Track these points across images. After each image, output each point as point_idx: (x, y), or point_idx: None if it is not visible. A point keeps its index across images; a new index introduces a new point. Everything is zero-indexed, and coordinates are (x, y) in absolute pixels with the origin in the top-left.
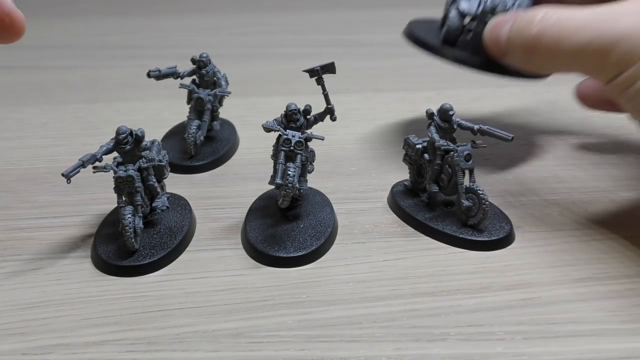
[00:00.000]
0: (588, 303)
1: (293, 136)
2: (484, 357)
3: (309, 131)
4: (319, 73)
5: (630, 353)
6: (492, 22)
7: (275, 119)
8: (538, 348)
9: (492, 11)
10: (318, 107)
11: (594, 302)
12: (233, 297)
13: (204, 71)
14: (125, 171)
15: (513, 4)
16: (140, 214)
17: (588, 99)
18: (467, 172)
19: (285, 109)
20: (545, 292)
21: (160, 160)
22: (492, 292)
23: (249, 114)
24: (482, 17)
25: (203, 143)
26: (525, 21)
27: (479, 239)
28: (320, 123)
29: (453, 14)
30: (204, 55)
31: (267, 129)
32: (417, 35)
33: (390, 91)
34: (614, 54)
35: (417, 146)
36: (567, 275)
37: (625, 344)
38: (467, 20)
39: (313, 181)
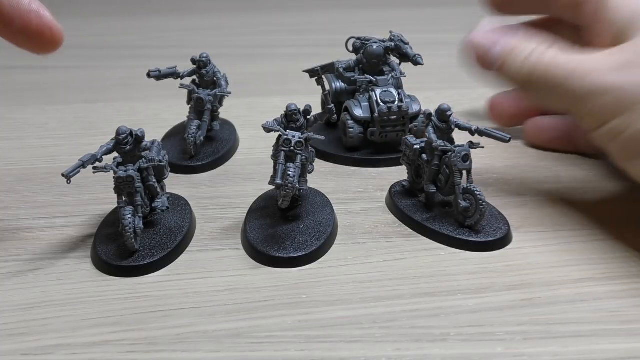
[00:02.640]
0: (588, 303)
1: (293, 136)
2: (485, 358)
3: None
4: (319, 73)
5: (630, 353)
6: (477, 37)
7: (275, 119)
8: (538, 348)
9: (389, 112)
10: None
11: (594, 302)
12: (233, 297)
13: (204, 71)
14: (125, 171)
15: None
16: (141, 215)
17: (501, 116)
18: (464, 172)
19: (285, 109)
20: (546, 292)
21: (160, 161)
22: (493, 292)
23: (249, 114)
24: (381, 123)
25: (203, 143)
26: (518, 60)
27: (476, 239)
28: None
29: (351, 124)
30: (204, 55)
31: (267, 129)
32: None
33: None
34: (597, 104)
35: (415, 146)
36: (567, 275)
37: (625, 344)
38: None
39: (313, 181)
